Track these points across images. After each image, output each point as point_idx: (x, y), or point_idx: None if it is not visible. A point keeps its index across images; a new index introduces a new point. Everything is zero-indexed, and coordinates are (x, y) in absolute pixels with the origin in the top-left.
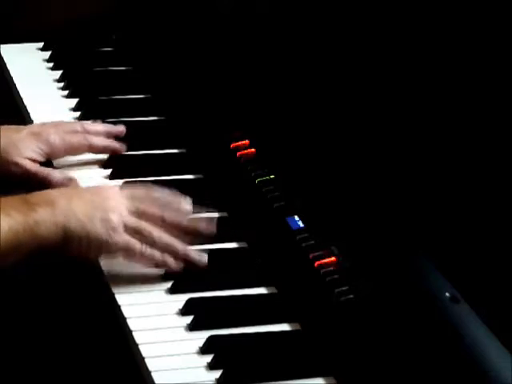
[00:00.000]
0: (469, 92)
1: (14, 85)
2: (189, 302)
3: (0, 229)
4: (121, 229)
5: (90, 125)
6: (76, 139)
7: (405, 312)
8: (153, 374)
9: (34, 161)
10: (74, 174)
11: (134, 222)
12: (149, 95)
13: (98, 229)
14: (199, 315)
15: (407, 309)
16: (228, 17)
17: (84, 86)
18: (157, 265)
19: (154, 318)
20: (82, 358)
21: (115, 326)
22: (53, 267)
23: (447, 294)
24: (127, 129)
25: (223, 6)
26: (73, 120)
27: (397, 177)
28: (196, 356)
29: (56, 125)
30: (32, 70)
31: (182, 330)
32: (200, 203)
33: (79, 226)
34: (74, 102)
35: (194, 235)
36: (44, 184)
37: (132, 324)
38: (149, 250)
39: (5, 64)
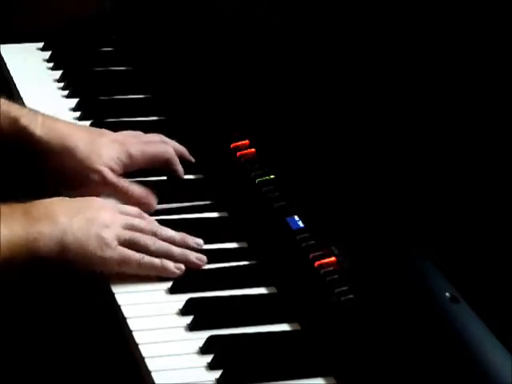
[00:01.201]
0: (467, 90)
1: (14, 85)
2: (189, 302)
3: None
4: (114, 243)
5: (164, 138)
6: (156, 149)
7: (405, 312)
8: (153, 374)
9: (113, 171)
10: None
11: (127, 234)
12: (149, 95)
13: (92, 245)
14: (199, 315)
15: (407, 309)
16: (228, 17)
17: (84, 86)
18: (157, 272)
19: (154, 318)
20: (82, 358)
21: (115, 326)
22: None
23: (447, 294)
24: (127, 129)
25: (223, 6)
26: (72, 120)
27: (397, 177)
28: (196, 356)
29: (136, 135)
30: (32, 70)
31: (182, 330)
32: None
33: (76, 242)
34: (74, 101)
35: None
36: (120, 196)
37: (132, 324)
38: (147, 258)
39: (5, 64)
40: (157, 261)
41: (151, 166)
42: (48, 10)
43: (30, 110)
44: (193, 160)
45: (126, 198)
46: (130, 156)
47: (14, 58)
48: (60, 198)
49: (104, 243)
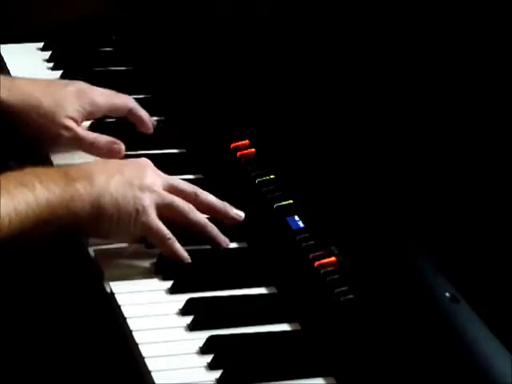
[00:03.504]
0: (466, 90)
1: None
2: (189, 302)
3: (38, 201)
4: (151, 209)
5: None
6: (119, 100)
7: (405, 312)
8: (153, 374)
9: (77, 121)
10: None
11: (168, 198)
12: (149, 95)
13: (128, 205)
14: (199, 315)
15: (407, 309)
16: (228, 17)
17: None
18: (175, 258)
19: (154, 318)
20: (82, 358)
21: (115, 326)
22: (53, 267)
23: (447, 294)
24: (127, 129)
25: (222, 6)
26: None
27: (397, 177)
28: (196, 356)
29: (98, 88)
30: (32, 70)
31: (182, 330)
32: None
33: (112, 202)
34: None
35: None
36: (90, 149)
37: (132, 324)
38: (174, 243)
39: (5, 64)
40: (181, 250)
41: (114, 114)
42: (48, 10)
43: None
44: (151, 127)
45: (94, 149)
46: (94, 103)
47: (14, 58)
48: (101, 160)
49: (141, 206)
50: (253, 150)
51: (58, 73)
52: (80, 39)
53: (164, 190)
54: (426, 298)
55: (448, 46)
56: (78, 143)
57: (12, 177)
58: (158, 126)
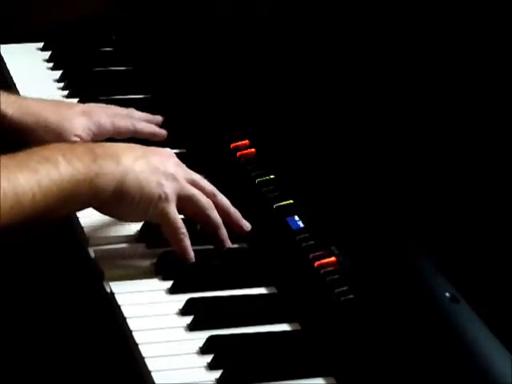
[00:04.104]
0: (467, 91)
1: (14, 85)
2: (189, 302)
3: (62, 176)
4: (173, 197)
5: (133, 111)
6: (123, 123)
7: (405, 312)
8: (153, 374)
9: (84, 140)
10: None
11: (190, 190)
12: (149, 95)
13: (151, 189)
14: (199, 315)
15: (407, 309)
16: (228, 17)
17: (84, 86)
18: (182, 254)
19: (154, 318)
20: (82, 358)
21: (115, 326)
22: (53, 267)
23: (447, 294)
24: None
25: (222, 6)
26: None
27: (397, 177)
28: (196, 356)
29: (103, 107)
30: (32, 70)
31: (182, 330)
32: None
33: (136, 183)
34: (74, 102)
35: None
36: None
37: (132, 324)
38: (186, 238)
39: (5, 64)
40: (189, 248)
41: (118, 136)
42: (48, 10)
43: (1, 91)
44: (160, 119)
45: None
46: (99, 125)
47: (14, 58)
48: (126, 143)
49: (163, 192)
50: (253, 150)
51: (58, 73)
52: (80, 39)
53: (186, 181)
54: (426, 297)
55: (448, 45)
56: None
57: (35, 152)
58: (158, 126)
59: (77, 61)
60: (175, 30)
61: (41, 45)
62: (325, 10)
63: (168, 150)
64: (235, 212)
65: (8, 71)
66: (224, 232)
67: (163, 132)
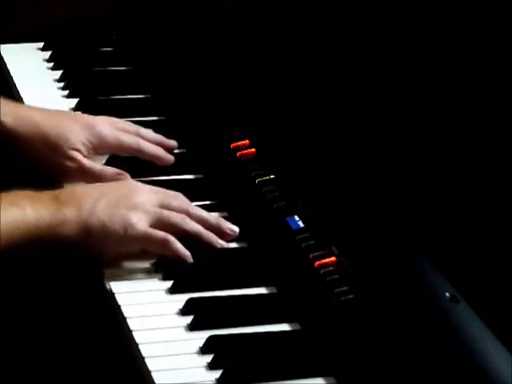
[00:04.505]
0: (468, 92)
1: (14, 85)
2: (189, 302)
3: (26, 222)
4: (141, 223)
5: (142, 129)
6: (128, 139)
7: (405, 312)
8: (153, 374)
9: (82, 152)
10: None
11: (156, 212)
12: (149, 95)
13: (115, 225)
14: (199, 315)
15: (407, 309)
16: (228, 17)
17: (84, 86)
18: (179, 256)
19: (154, 318)
20: (81, 358)
21: (115, 326)
22: (52, 267)
23: (447, 294)
24: None
25: (223, 6)
26: None
27: (397, 176)
28: (196, 356)
29: (110, 120)
30: (32, 69)
31: (182, 330)
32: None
33: (99, 224)
34: (74, 102)
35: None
36: (96, 180)
37: (132, 324)
38: (171, 239)
39: (5, 64)
40: (180, 246)
41: (121, 153)
42: (48, 10)
43: (2, 98)
44: (174, 144)
45: (100, 180)
46: (101, 139)
47: (14, 58)
48: (91, 184)
49: (128, 224)
50: (253, 149)
51: (58, 73)
52: (80, 39)
53: (154, 207)
54: (426, 297)
55: (448, 45)
56: (84, 174)
57: (3, 197)
58: (158, 126)
59: (77, 61)
60: (175, 30)
61: (41, 45)
62: (325, 11)
63: (132, 181)
64: (216, 221)
65: (8, 71)
66: (208, 236)
67: (170, 158)
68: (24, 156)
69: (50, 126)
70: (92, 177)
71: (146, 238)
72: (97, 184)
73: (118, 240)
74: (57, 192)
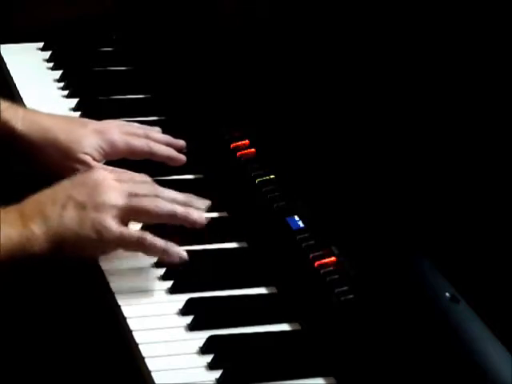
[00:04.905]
0: (469, 92)
1: (14, 85)
2: (189, 301)
3: None
4: (112, 223)
5: (152, 131)
6: (138, 143)
7: (405, 312)
8: (153, 374)
9: (94, 159)
10: None
11: (125, 203)
12: (149, 95)
13: (87, 230)
14: (199, 315)
15: (407, 309)
16: (228, 17)
17: (84, 86)
18: (158, 253)
19: (154, 318)
20: (81, 358)
21: (115, 326)
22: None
23: (447, 294)
24: None
25: (223, 6)
26: None
27: (397, 176)
28: (196, 356)
29: (119, 125)
30: (32, 69)
31: (182, 329)
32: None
33: (69, 232)
34: (74, 101)
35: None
36: None
37: (132, 324)
38: (149, 237)
39: (5, 64)
40: (160, 242)
41: (132, 157)
42: (48, 10)
43: (11, 104)
44: (183, 144)
45: None
46: (112, 144)
47: (14, 58)
48: (50, 189)
49: (100, 226)
50: (253, 150)
51: (58, 73)
52: (80, 39)
53: (123, 199)
54: (426, 297)
55: (448, 46)
56: None
57: None
58: (158, 126)
59: (77, 61)
60: (175, 30)
61: (41, 45)
62: (325, 11)
63: (96, 174)
64: (187, 198)
65: (8, 71)
66: (182, 212)
67: (182, 157)
68: (33, 160)
69: (62, 132)
70: None
71: (121, 240)
72: (59, 185)
73: (93, 245)
74: (21, 206)
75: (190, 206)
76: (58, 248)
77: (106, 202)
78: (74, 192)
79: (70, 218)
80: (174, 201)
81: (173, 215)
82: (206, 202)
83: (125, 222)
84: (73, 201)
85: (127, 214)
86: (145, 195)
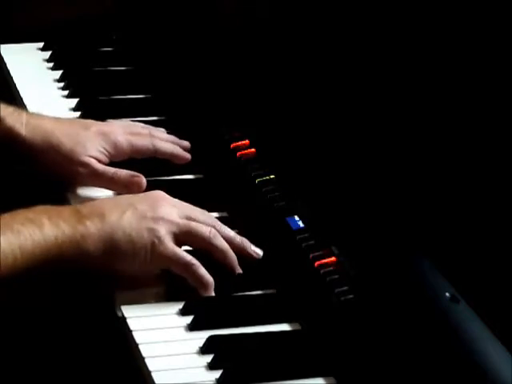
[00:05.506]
0: (469, 92)
1: (14, 85)
2: (188, 302)
3: (45, 239)
4: (168, 237)
5: (156, 130)
6: (142, 142)
7: (405, 312)
8: (153, 374)
9: (99, 161)
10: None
11: (184, 224)
12: (149, 95)
13: (142, 239)
14: (199, 315)
15: (407, 309)
16: (228, 17)
17: (84, 86)
18: (200, 285)
19: (154, 318)
20: (81, 358)
21: (115, 326)
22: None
23: (447, 294)
24: None
25: (223, 6)
26: None
27: (397, 176)
28: (196, 356)
29: (123, 125)
30: (32, 69)
31: (182, 329)
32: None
33: (125, 239)
34: (74, 101)
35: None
36: (109, 184)
37: (132, 324)
38: (198, 267)
39: (5, 64)
40: (207, 275)
41: (138, 156)
42: (48, 10)
43: (15, 109)
44: (187, 145)
45: (114, 184)
46: (116, 146)
47: (14, 58)
48: (113, 197)
49: (156, 237)
50: (253, 149)
51: (58, 73)
52: (80, 39)
53: (182, 219)
54: (426, 297)
55: (448, 46)
56: (97, 179)
57: (19, 214)
58: (158, 126)
59: (77, 61)
60: (175, 30)
61: (41, 45)
62: (325, 11)
63: (158, 191)
64: (241, 241)
65: (8, 71)
66: (231, 258)
67: (186, 155)
68: (37, 164)
69: (65, 135)
70: (105, 181)
71: (171, 257)
72: (117, 196)
73: (145, 255)
74: (78, 206)
75: (244, 248)
76: (111, 253)
77: (166, 216)
78: (136, 201)
79: (128, 222)
80: (229, 238)
81: (224, 253)
82: (258, 251)
83: (179, 242)
84: (134, 208)
85: (182, 235)
86: (204, 222)
